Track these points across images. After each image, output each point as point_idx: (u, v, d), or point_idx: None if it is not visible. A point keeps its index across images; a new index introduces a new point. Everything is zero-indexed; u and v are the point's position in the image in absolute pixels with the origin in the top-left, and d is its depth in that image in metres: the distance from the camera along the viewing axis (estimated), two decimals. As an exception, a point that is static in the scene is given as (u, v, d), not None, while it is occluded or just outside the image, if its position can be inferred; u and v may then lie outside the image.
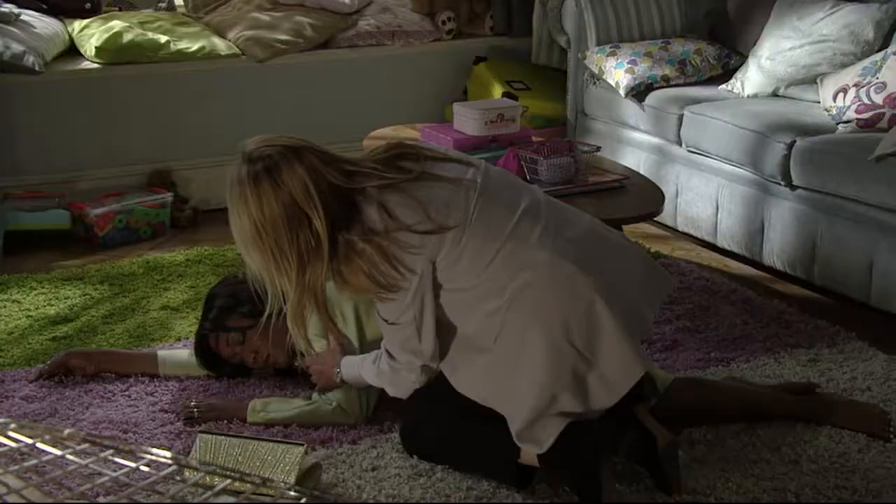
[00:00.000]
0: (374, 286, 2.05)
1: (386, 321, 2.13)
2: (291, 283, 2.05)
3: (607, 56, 4.05)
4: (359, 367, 2.33)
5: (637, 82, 3.91)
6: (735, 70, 3.95)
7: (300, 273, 2.04)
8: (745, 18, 4.06)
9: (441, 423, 2.29)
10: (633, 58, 3.98)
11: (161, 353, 2.76)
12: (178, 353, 2.77)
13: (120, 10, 4.14)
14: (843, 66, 3.55)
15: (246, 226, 2.02)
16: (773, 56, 3.74)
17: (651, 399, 2.26)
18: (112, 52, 3.86)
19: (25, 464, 1.10)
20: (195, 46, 4.01)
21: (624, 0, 4.21)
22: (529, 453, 2.15)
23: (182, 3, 4.36)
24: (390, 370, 2.19)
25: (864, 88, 3.30)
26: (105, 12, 4.11)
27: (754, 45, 3.88)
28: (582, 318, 2.06)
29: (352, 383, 2.41)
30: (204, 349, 2.66)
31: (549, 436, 2.08)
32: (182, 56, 3.98)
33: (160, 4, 4.30)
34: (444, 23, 4.59)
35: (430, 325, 2.10)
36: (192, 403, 2.51)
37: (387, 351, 2.20)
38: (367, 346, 2.47)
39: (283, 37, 4.17)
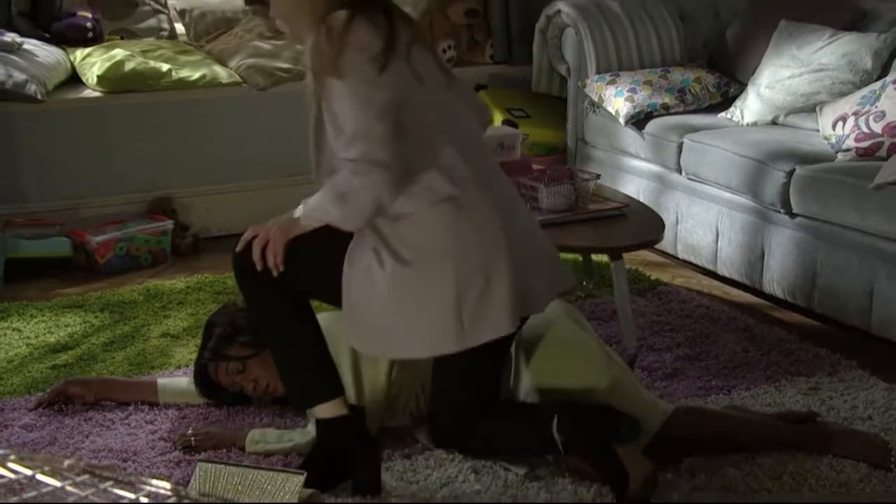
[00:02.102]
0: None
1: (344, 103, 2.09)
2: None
3: (607, 84, 4.07)
4: (315, 201, 2.18)
5: (637, 110, 3.93)
6: (734, 98, 3.96)
7: None
8: (744, 47, 4.08)
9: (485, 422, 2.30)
10: (632, 86, 4.00)
11: (161, 381, 2.75)
12: (178, 381, 2.76)
13: (122, 38, 4.17)
14: (842, 94, 3.57)
15: None
16: (773, 85, 3.76)
17: (629, 440, 2.25)
18: (114, 80, 3.87)
19: (25, 495, 1.09)
20: (196, 75, 4.03)
21: (623, 29, 4.23)
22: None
23: (184, 31, 4.38)
24: (344, 181, 2.10)
25: (864, 117, 3.31)
26: (107, 41, 4.12)
27: (753, 73, 3.89)
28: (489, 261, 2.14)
29: (312, 223, 2.21)
30: (203, 378, 2.65)
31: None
32: (183, 84, 4.00)
33: (162, 33, 4.32)
34: (444, 51, 4.61)
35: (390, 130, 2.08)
36: (189, 432, 2.51)
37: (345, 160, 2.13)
38: (366, 400, 2.46)
39: (284, 65, 4.19)
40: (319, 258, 2.20)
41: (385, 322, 2.16)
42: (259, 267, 2.18)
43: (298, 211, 2.19)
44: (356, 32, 2.09)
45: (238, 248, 2.22)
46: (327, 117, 2.12)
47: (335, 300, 2.22)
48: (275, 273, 2.17)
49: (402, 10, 2.25)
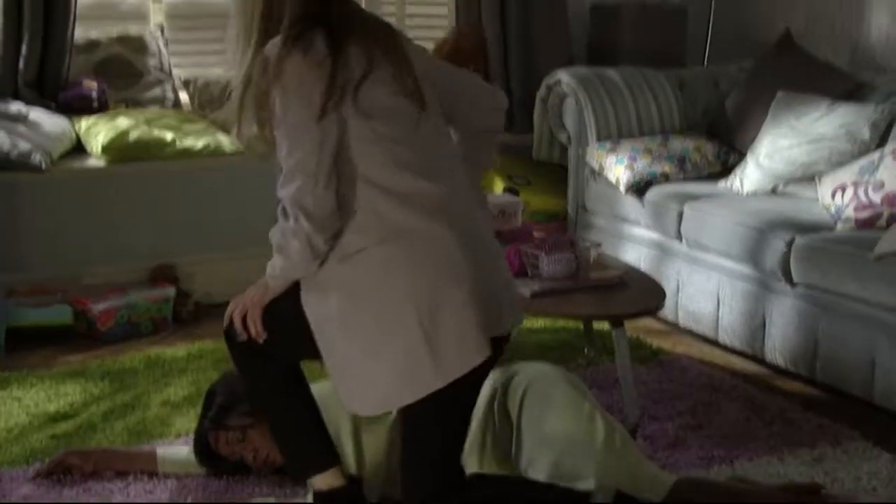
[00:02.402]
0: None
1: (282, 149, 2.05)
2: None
3: (607, 152, 4.10)
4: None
5: (637, 178, 3.95)
6: (734, 167, 3.99)
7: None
8: (743, 116, 4.12)
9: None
10: (632, 154, 4.03)
11: (160, 450, 2.74)
12: (177, 450, 2.75)
13: (127, 107, 4.21)
14: (841, 165, 3.59)
15: None
16: (772, 154, 3.79)
17: None
18: (118, 149, 3.90)
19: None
20: (200, 143, 4.06)
21: (623, 97, 4.28)
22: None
23: (188, 100, 4.42)
24: (278, 229, 2.07)
25: (863, 187, 3.33)
26: (112, 110, 4.16)
27: (752, 143, 3.93)
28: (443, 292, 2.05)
29: (276, 283, 2.17)
30: (203, 447, 2.64)
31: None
32: (187, 153, 4.03)
33: (167, 102, 4.37)
34: (446, 119, 4.65)
35: (325, 172, 2.02)
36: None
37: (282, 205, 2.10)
38: (367, 470, 2.44)
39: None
40: (291, 318, 2.14)
41: (356, 373, 2.08)
42: (242, 337, 2.16)
43: None
44: (290, 73, 2.00)
45: (225, 323, 2.22)
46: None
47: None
48: (260, 340, 2.16)
49: (360, 19, 2.12)
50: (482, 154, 2.36)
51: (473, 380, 2.11)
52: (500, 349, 2.15)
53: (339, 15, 2.08)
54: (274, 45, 2.02)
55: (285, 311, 2.14)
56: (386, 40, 2.11)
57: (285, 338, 2.17)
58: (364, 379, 2.06)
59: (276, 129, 2.03)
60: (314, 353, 2.16)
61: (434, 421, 2.11)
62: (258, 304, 2.15)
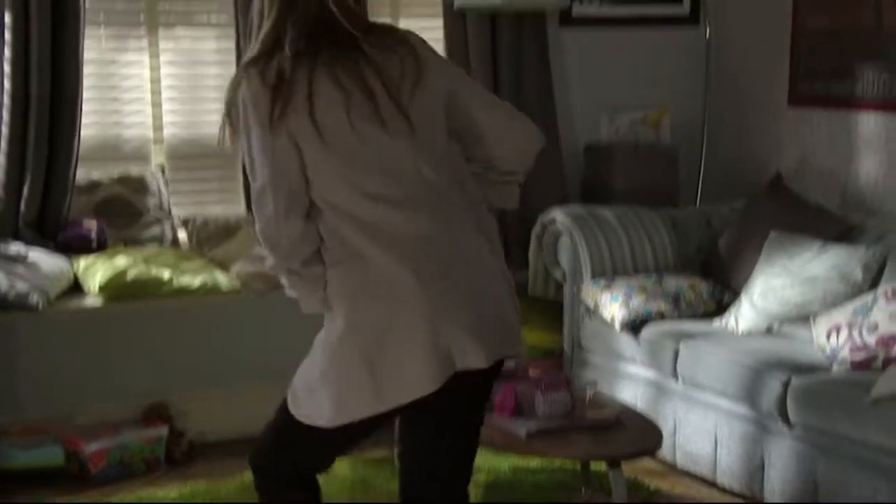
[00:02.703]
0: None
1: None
2: None
3: (602, 290, 4.12)
4: None
5: (632, 317, 3.96)
6: (728, 306, 4.00)
7: None
8: (737, 255, 4.16)
9: None
10: (627, 292, 4.05)
11: None
12: None
13: (126, 246, 4.24)
14: (835, 305, 3.61)
15: None
16: (766, 294, 3.81)
17: None
18: (115, 289, 3.92)
19: None
20: (197, 282, 4.08)
21: (617, 236, 4.32)
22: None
23: (186, 238, 4.46)
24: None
25: (857, 329, 3.35)
26: (111, 249, 4.20)
27: (746, 282, 3.95)
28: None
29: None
30: None
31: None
32: (184, 291, 4.04)
33: (164, 241, 4.41)
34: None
35: (286, 209, 2.06)
36: None
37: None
38: None
39: (285, 270, 4.25)
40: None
41: (312, 387, 2.17)
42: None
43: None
44: (247, 93, 2.06)
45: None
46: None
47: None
48: None
49: (334, 40, 2.09)
50: (501, 194, 2.29)
51: (453, 402, 2.13)
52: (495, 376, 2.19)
53: (309, 36, 2.09)
54: (239, 68, 2.12)
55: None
56: (362, 61, 2.08)
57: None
58: (316, 395, 2.14)
59: (244, 152, 2.10)
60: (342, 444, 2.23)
61: (421, 438, 2.20)
62: None
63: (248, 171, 2.12)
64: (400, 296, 2.06)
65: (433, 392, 2.07)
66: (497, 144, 2.21)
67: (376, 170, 2.08)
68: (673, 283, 4.12)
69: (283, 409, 2.25)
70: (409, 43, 2.14)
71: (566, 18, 4.88)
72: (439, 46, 4.58)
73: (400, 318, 2.06)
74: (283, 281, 2.19)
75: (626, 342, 4.01)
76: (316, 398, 2.15)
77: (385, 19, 4.59)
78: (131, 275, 3.96)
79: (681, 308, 4.02)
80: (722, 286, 4.15)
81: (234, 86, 2.09)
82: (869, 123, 4.29)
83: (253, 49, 2.11)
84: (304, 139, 2.04)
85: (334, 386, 2.11)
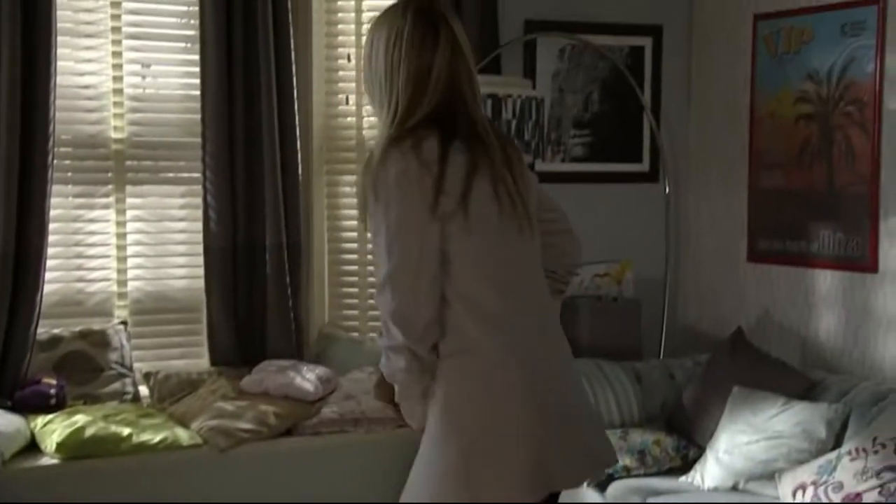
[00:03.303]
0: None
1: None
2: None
3: (568, 446, 4.09)
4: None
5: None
6: (694, 461, 3.98)
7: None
8: (701, 411, 4.16)
9: None
10: (593, 448, 4.02)
11: None
12: None
13: (85, 403, 4.19)
14: (799, 462, 3.61)
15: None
16: (731, 450, 3.80)
17: None
18: (73, 447, 3.85)
19: None
20: (157, 438, 4.01)
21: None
22: None
23: (148, 393, 4.41)
24: (384, 353, 2.08)
25: (822, 487, 3.34)
26: (70, 406, 4.14)
27: (711, 437, 3.95)
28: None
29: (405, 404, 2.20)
30: None
31: None
32: (144, 448, 3.97)
33: (126, 396, 4.36)
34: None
35: (426, 291, 2.00)
36: None
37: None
38: None
39: (247, 425, 4.20)
40: None
41: (420, 464, 2.12)
42: None
43: None
44: (396, 169, 2.01)
45: None
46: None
47: None
48: None
49: (477, 128, 2.10)
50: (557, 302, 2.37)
51: None
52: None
53: (455, 119, 2.09)
54: (381, 140, 2.05)
55: None
56: (502, 153, 2.11)
57: None
58: (420, 473, 2.10)
59: (373, 230, 2.04)
60: None
61: None
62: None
63: (379, 253, 2.04)
64: (511, 397, 2.06)
65: None
66: (550, 246, 2.30)
67: (507, 267, 2.10)
68: (638, 437, 4.10)
69: None
70: (513, 142, 2.24)
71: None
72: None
73: (510, 422, 2.05)
74: (399, 365, 2.08)
75: (592, 499, 3.96)
76: (419, 474, 2.12)
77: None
78: (89, 432, 3.89)
79: (647, 464, 4.00)
80: (687, 441, 4.13)
81: (379, 162, 2.03)
82: (826, 281, 4.38)
83: (387, 126, 2.09)
84: (452, 224, 2.03)
85: (435, 468, 2.08)
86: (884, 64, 4.11)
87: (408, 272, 2.02)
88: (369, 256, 4.85)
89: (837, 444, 3.60)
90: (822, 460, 3.48)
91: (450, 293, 2.06)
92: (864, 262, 4.18)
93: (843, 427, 3.68)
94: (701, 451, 4.00)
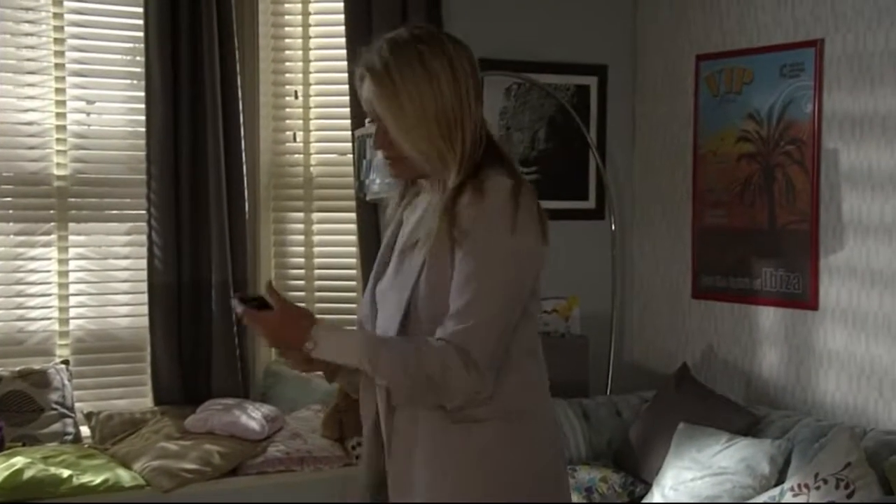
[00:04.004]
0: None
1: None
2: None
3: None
4: (360, 346, 1.98)
5: (545, 512, 3.92)
6: (641, 498, 4.00)
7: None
8: (647, 447, 4.18)
9: None
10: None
11: None
12: None
13: (24, 445, 4.11)
14: (744, 498, 3.63)
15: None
16: (676, 486, 3.82)
17: None
18: (11, 489, 3.77)
19: None
20: (99, 479, 3.95)
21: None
22: None
23: (89, 434, 4.35)
24: (441, 366, 1.92)
25: (765, 524, 3.36)
26: (8, 448, 4.06)
27: (658, 473, 3.96)
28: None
29: (328, 359, 2.01)
30: None
31: None
32: (84, 489, 3.91)
33: (66, 437, 4.29)
34: (353, 448, 4.62)
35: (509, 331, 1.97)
36: None
37: (460, 348, 1.92)
38: None
39: (191, 465, 4.14)
40: None
41: None
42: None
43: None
44: (526, 209, 1.95)
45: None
46: (434, 279, 1.96)
47: None
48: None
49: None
50: None
51: None
52: None
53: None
54: (497, 175, 1.98)
55: None
56: None
57: None
58: None
59: (481, 254, 1.94)
60: None
61: None
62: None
63: (484, 299, 1.94)
64: (558, 446, 2.15)
65: None
66: None
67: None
68: (585, 475, 4.11)
69: None
70: None
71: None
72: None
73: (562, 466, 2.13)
74: (451, 388, 1.97)
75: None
76: None
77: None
78: (28, 474, 3.82)
79: (594, 501, 4.00)
80: (634, 478, 4.15)
81: (512, 190, 1.97)
82: (769, 317, 4.43)
83: (457, 168, 2.02)
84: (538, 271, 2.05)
85: None
86: (822, 104, 4.19)
87: (500, 321, 1.96)
88: (317, 293, 4.84)
89: (781, 479, 3.63)
90: (765, 496, 3.51)
91: (516, 348, 2.02)
92: (805, 299, 4.24)
93: (787, 463, 3.72)
94: (648, 488, 4.01)
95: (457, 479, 2.01)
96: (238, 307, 2.03)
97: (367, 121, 1.95)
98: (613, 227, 5.00)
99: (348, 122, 4.53)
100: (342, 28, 4.56)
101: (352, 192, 4.51)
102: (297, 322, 2.00)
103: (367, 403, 2.14)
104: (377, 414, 2.11)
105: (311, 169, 4.82)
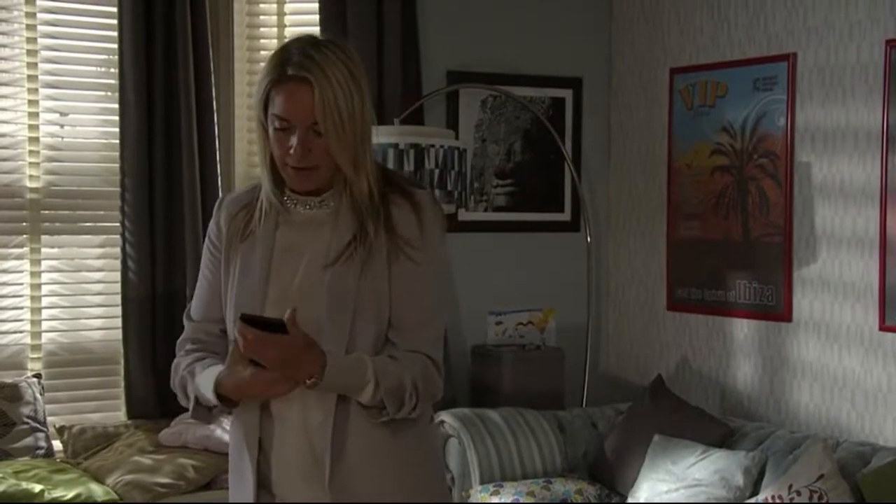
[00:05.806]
0: None
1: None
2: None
3: (490, 495, 4.08)
4: (367, 368, 2.03)
5: (520, 525, 3.92)
6: (616, 510, 4.01)
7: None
8: (622, 459, 4.18)
9: None
10: (515, 497, 4.02)
11: None
12: None
13: (-5, 459, 4.09)
14: (719, 510, 3.65)
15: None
16: (651, 498, 3.83)
17: None
18: (-19, 505, 3.74)
19: None
20: (71, 494, 3.92)
21: (505, 439, 4.31)
22: None
23: (61, 448, 4.31)
24: (423, 376, 2.10)
25: (740, 535, 3.37)
26: (-21, 458, 4.03)
27: (633, 485, 3.97)
28: None
29: (328, 389, 2.03)
30: None
31: None
32: (57, 504, 3.88)
33: (38, 451, 4.25)
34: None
35: None
36: None
37: (429, 357, 2.12)
38: None
39: (164, 479, 4.12)
40: None
41: None
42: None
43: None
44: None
45: None
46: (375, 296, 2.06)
47: None
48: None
49: None
50: None
51: None
52: None
53: None
54: (411, 187, 2.16)
55: None
56: None
57: None
58: None
59: (435, 269, 2.14)
60: None
61: None
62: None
63: (440, 286, 2.19)
64: None
65: None
66: None
67: None
68: (561, 487, 4.11)
69: None
70: None
71: (452, 223, 5.00)
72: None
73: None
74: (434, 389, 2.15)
75: (514, 551, 3.95)
76: None
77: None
78: (-1, 489, 3.79)
79: (569, 514, 4.00)
80: (609, 490, 4.15)
81: (438, 208, 2.22)
82: (743, 329, 4.46)
83: (374, 179, 2.13)
84: None
85: None
86: (794, 117, 4.22)
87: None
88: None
89: (755, 491, 3.65)
90: (740, 508, 3.53)
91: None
92: (778, 311, 4.26)
93: (761, 474, 3.73)
94: (623, 500, 4.02)
95: (399, 478, 2.12)
96: (248, 332, 1.96)
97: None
98: (589, 240, 5.02)
99: (323, 134, 4.52)
100: (317, 41, 4.55)
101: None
102: (314, 350, 2.00)
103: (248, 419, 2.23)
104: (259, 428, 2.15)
105: (286, 181, 4.80)
